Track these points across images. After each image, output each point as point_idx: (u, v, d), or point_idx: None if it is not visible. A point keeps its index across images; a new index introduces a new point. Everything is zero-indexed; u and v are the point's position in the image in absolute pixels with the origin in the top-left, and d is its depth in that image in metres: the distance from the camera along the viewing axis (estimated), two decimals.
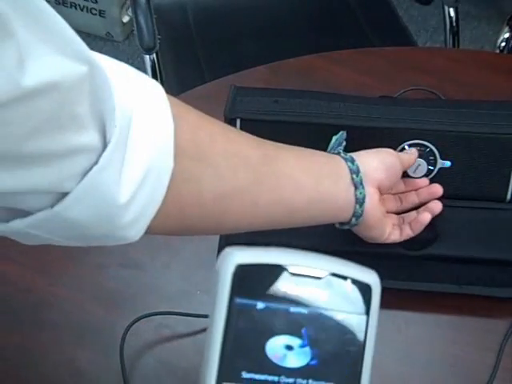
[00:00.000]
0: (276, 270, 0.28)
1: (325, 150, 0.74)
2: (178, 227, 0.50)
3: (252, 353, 0.28)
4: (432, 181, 0.74)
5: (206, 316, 0.68)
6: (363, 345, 0.30)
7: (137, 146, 0.41)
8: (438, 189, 0.71)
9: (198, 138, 0.49)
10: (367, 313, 0.31)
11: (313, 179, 0.58)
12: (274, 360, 0.28)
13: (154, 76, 1.14)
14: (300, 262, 0.29)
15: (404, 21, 1.37)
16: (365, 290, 0.31)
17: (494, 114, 0.75)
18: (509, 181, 0.74)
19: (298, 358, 0.28)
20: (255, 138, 0.56)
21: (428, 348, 0.68)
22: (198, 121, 0.51)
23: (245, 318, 0.28)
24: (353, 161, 0.61)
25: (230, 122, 0.74)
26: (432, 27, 2.10)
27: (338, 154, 0.63)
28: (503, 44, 1.51)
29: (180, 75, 1.25)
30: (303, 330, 0.28)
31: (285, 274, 0.28)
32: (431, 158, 0.73)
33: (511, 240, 0.72)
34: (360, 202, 0.60)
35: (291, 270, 0.28)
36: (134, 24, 1.14)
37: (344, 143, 0.70)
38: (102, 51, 1.99)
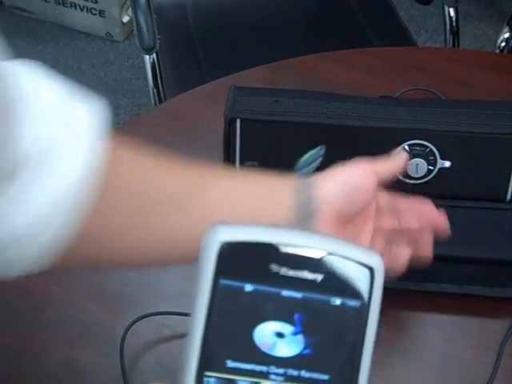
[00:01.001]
0: (267, 249, 0.25)
1: (326, 150, 0.74)
2: (79, 261, 0.48)
3: (238, 340, 0.25)
4: (432, 181, 0.74)
5: None
6: (363, 333, 0.27)
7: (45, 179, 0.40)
8: (442, 223, 0.61)
9: (118, 177, 0.47)
10: (368, 298, 0.28)
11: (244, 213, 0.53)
12: (263, 348, 0.25)
13: (154, 76, 1.14)
14: (294, 240, 0.26)
15: (404, 21, 1.37)
16: (366, 273, 0.27)
17: (494, 113, 0.75)
18: (509, 181, 0.74)
19: (289, 347, 0.26)
20: (185, 169, 0.56)
21: (428, 348, 0.68)
22: (126, 157, 0.50)
23: (230, 302, 0.25)
24: (304, 191, 0.53)
25: (230, 121, 0.74)
26: (432, 27, 2.10)
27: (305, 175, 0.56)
28: (503, 44, 1.51)
29: (180, 75, 1.25)
30: (296, 316, 0.26)
31: (276, 254, 0.25)
32: (431, 157, 0.73)
33: (511, 240, 0.72)
34: None
35: (284, 249, 0.25)
36: (134, 24, 1.14)
37: (320, 159, 0.67)
38: (102, 51, 2.01)
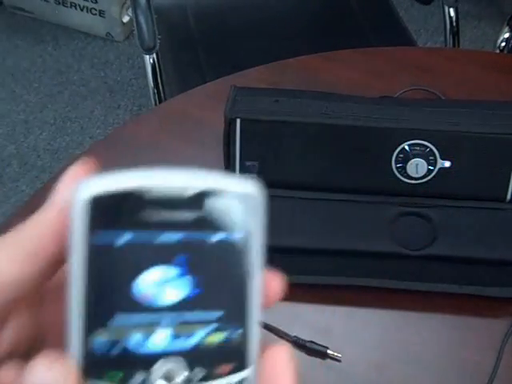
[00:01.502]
0: (137, 196, 0.24)
1: (325, 149, 0.74)
2: None
3: (122, 295, 0.24)
4: (432, 181, 0.74)
5: None
6: (248, 264, 0.26)
7: None
8: None
9: None
10: (249, 228, 0.26)
11: None
12: (150, 297, 0.24)
13: (155, 76, 1.14)
14: (165, 181, 0.24)
15: (404, 21, 1.37)
16: (244, 203, 0.26)
17: (494, 114, 0.75)
18: (509, 181, 0.74)
19: (178, 290, 0.25)
20: None
21: (428, 348, 0.68)
22: None
23: (108, 257, 0.24)
24: None
25: (230, 121, 0.74)
26: (432, 27, 2.11)
27: None
28: (503, 44, 1.51)
29: (180, 75, 1.25)
30: (178, 259, 0.25)
31: (148, 199, 0.24)
32: (431, 157, 0.73)
33: (511, 240, 0.72)
34: None
35: (154, 193, 0.24)
36: (134, 24, 1.14)
37: None
38: (102, 51, 2.01)
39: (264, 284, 0.27)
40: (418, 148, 0.73)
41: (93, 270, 0.24)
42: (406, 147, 0.73)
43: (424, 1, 2.14)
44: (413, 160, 0.73)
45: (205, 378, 0.25)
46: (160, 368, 0.25)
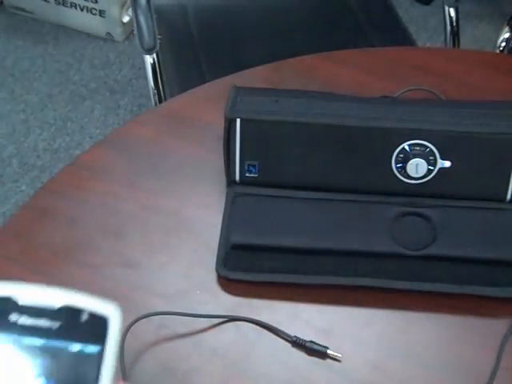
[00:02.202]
0: (10, 301, 0.27)
1: (325, 149, 0.74)
2: None
3: None
4: (432, 181, 0.74)
5: (206, 316, 0.67)
6: (97, 378, 0.28)
7: None
8: None
9: None
10: (104, 344, 0.28)
11: None
12: None
13: (155, 76, 1.14)
14: (32, 292, 0.28)
15: (404, 21, 1.37)
16: (101, 322, 0.29)
17: (494, 114, 0.75)
18: (509, 181, 0.74)
19: None
20: None
21: (428, 348, 0.68)
22: None
23: None
24: None
25: (230, 121, 0.74)
26: (432, 27, 2.11)
27: None
28: (503, 44, 1.51)
29: (180, 75, 1.25)
30: (37, 362, 0.27)
31: (16, 305, 0.27)
32: (431, 157, 0.73)
33: (511, 240, 0.72)
34: None
35: (23, 300, 0.28)
36: (134, 24, 1.14)
37: None
38: (102, 51, 2.01)
39: None
40: (417, 148, 0.73)
41: None
42: (406, 147, 0.73)
43: (424, 1, 2.14)
44: (413, 160, 0.73)
45: None
46: None
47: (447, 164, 0.73)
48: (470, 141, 0.73)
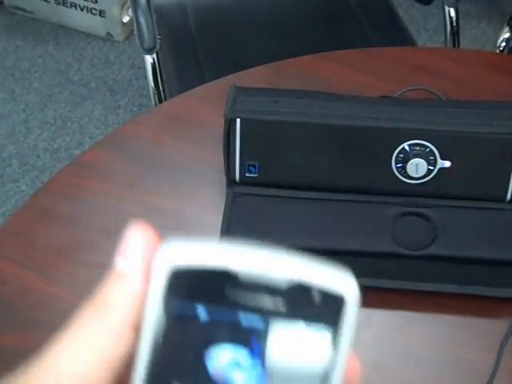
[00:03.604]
0: (222, 273, 0.23)
1: (325, 149, 0.74)
2: None
3: (191, 370, 0.23)
4: (432, 181, 0.74)
5: None
6: (330, 367, 0.24)
7: None
8: None
9: None
10: (338, 329, 0.24)
11: None
12: (218, 380, 0.23)
13: (155, 76, 1.14)
14: (254, 265, 0.23)
15: (404, 21, 1.37)
16: (336, 301, 0.24)
17: (494, 113, 0.75)
18: (509, 181, 0.74)
19: (247, 378, 0.23)
20: None
21: (428, 348, 0.68)
22: None
23: (182, 329, 0.23)
24: None
25: (230, 122, 0.74)
26: (432, 27, 2.10)
27: None
28: (503, 44, 1.51)
29: (180, 75, 1.25)
30: (255, 347, 0.23)
31: (233, 277, 0.23)
32: (431, 157, 0.73)
33: (511, 240, 0.72)
34: None
35: (240, 275, 0.23)
36: (134, 24, 1.14)
37: None
38: (102, 51, 2.01)
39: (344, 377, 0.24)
40: (417, 148, 0.73)
41: (164, 340, 0.23)
42: (406, 147, 0.73)
43: (424, 1, 2.14)
44: (413, 160, 0.73)
45: None
46: None
47: (447, 164, 0.73)
48: (470, 141, 0.73)
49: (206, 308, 0.23)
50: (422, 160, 0.73)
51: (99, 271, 0.76)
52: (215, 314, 0.23)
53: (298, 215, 0.73)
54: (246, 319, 0.23)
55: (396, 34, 1.33)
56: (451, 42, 1.24)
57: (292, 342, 0.23)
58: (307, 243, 0.71)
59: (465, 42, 1.66)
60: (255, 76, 0.93)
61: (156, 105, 1.15)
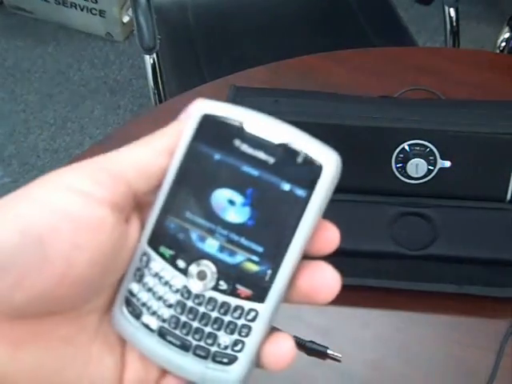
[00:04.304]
0: (238, 127, 0.29)
1: None
2: None
3: (199, 198, 0.30)
4: (432, 181, 0.74)
5: None
6: (299, 220, 0.30)
7: None
8: None
9: None
10: (312, 191, 0.30)
11: None
12: (216, 210, 0.30)
13: (155, 76, 1.14)
14: (261, 123, 0.30)
15: (404, 21, 1.37)
16: (316, 168, 0.30)
17: (494, 114, 0.75)
18: (509, 181, 0.74)
19: (237, 215, 0.29)
20: None
21: (428, 348, 0.68)
22: None
23: (199, 164, 0.30)
24: None
25: None
26: (432, 27, 2.11)
27: None
28: (503, 44, 1.51)
29: (180, 75, 1.25)
30: (248, 190, 0.29)
31: (244, 132, 0.29)
32: (431, 157, 0.73)
33: (511, 240, 0.72)
34: None
35: (250, 129, 0.29)
36: (134, 24, 1.14)
37: None
38: (102, 51, 2.01)
39: (313, 237, 0.31)
40: (417, 148, 0.73)
41: (186, 170, 0.30)
42: (406, 147, 0.73)
43: (424, 1, 2.14)
44: (413, 160, 0.73)
45: (224, 291, 0.30)
46: (198, 265, 0.30)
47: (447, 164, 0.73)
48: (470, 141, 0.73)
49: (219, 152, 0.30)
50: (422, 160, 0.73)
51: None
52: (225, 157, 0.29)
53: None
54: (245, 169, 0.29)
55: (396, 34, 1.33)
56: (451, 41, 1.24)
57: (275, 192, 0.29)
58: None
59: (465, 42, 1.66)
60: (255, 76, 0.93)
61: (156, 105, 1.15)
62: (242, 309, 0.30)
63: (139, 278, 0.31)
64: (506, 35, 1.50)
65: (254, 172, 0.29)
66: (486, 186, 0.74)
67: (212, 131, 0.30)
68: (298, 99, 0.76)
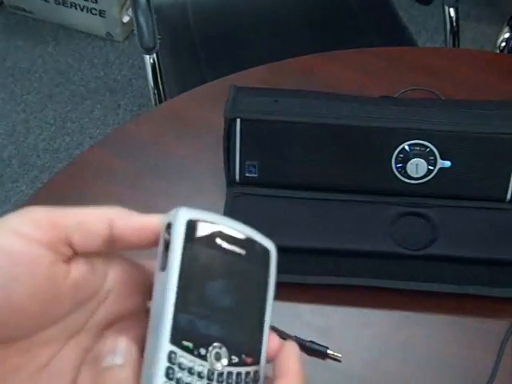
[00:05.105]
0: (214, 227, 0.36)
1: (325, 149, 0.74)
2: None
3: (196, 290, 0.35)
4: (432, 181, 0.74)
5: None
6: (265, 298, 0.37)
7: None
8: None
9: None
10: (269, 268, 0.38)
11: None
12: (210, 298, 0.35)
13: (155, 76, 1.14)
14: (228, 224, 0.37)
15: (404, 21, 1.37)
16: (266, 253, 0.38)
17: (495, 113, 0.75)
18: (509, 181, 0.74)
19: (226, 299, 0.36)
20: None
21: (428, 348, 0.68)
22: None
23: (192, 261, 0.35)
24: None
25: (230, 122, 0.74)
26: (432, 27, 2.11)
27: None
28: (503, 44, 1.51)
29: (180, 75, 1.25)
30: (232, 278, 0.36)
31: (219, 231, 0.36)
32: (431, 158, 0.73)
33: (511, 240, 0.72)
34: None
35: (223, 229, 0.36)
36: (134, 24, 1.14)
37: None
38: (102, 51, 2.00)
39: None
40: (417, 148, 0.73)
41: (184, 271, 0.34)
42: (406, 147, 0.73)
43: (424, 1, 2.14)
44: (413, 160, 0.73)
45: (236, 363, 0.36)
46: (213, 348, 0.35)
47: (447, 164, 0.73)
48: (470, 141, 0.73)
49: (204, 249, 0.35)
50: (422, 160, 0.73)
51: None
52: (208, 254, 0.35)
53: (298, 215, 0.73)
54: (225, 258, 0.36)
55: (396, 34, 1.33)
56: (451, 41, 1.24)
57: (248, 275, 0.37)
58: (307, 243, 0.71)
59: (465, 42, 1.66)
60: (255, 76, 0.93)
61: (156, 105, 1.15)
62: (249, 372, 0.36)
63: (171, 375, 0.34)
64: (506, 35, 1.50)
65: (233, 262, 0.36)
66: (485, 186, 0.74)
67: (198, 234, 0.35)
68: (297, 99, 0.76)
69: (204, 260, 0.35)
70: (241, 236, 0.37)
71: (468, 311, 0.70)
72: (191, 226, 0.35)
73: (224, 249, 0.36)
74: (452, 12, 1.23)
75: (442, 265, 0.71)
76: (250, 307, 0.37)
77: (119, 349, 0.33)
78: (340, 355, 0.66)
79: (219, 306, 0.35)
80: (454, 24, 1.23)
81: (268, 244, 0.39)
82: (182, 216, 0.36)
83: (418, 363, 0.67)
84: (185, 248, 0.35)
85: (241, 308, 0.36)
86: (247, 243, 0.37)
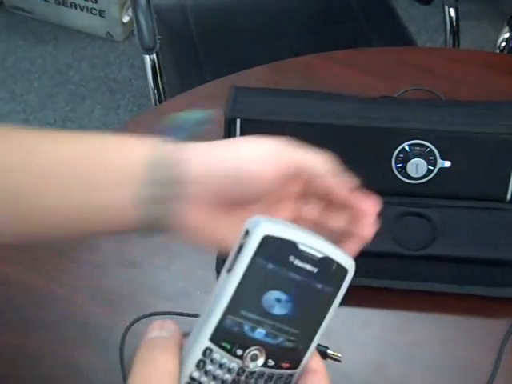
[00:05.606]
0: (289, 245, 0.37)
1: (325, 149, 0.74)
2: None
3: (253, 297, 0.36)
4: (432, 181, 0.74)
5: None
6: (327, 311, 0.39)
7: None
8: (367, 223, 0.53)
9: None
10: (338, 288, 0.39)
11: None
12: (266, 306, 0.37)
13: (155, 76, 1.14)
14: (308, 242, 0.37)
15: (404, 21, 1.37)
16: (343, 272, 0.40)
17: (494, 113, 0.75)
18: (509, 181, 0.74)
19: (282, 308, 0.37)
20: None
21: (428, 348, 0.68)
22: None
23: (257, 273, 0.36)
24: (166, 165, 0.42)
25: (230, 122, 0.74)
26: (432, 27, 2.11)
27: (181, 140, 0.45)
28: (503, 44, 1.51)
29: (180, 75, 1.25)
30: (293, 291, 0.37)
31: (295, 249, 0.37)
32: (431, 158, 0.73)
33: (511, 240, 0.72)
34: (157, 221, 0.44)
35: (300, 246, 0.37)
36: (134, 24, 1.14)
37: (206, 126, 0.67)
38: (102, 51, 2.00)
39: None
40: (417, 148, 0.73)
41: (246, 279, 0.36)
42: (406, 147, 0.73)
43: (424, 1, 2.14)
44: (413, 160, 0.73)
45: (272, 366, 0.38)
46: (251, 350, 0.37)
47: (447, 164, 0.73)
48: (470, 141, 0.73)
49: (275, 266, 0.37)
50: (422, 160, 0.73)
51: (100, 271, 0.77)
52: (277, 267, 0.37)
53: None
54: (293, 275, 0.37)
55: (396, 34, 1.33)
56: (451, 41, 1.25)
57: (312, 291, 0.38)
58: None
59: (465, 42, 1.65)
60: (255, 76, 0.93)
61: (156, 105, 1.15)
62: (282, 375, 0.38)
63: (202, 367, 0.36)
64: (506, 35, 1.50)
65: (300, 278, 0.37)
66: (485, 186, 0.74)
67: (272, 246, 0.37)
68: (298, 99, 0.76)
69: (270, 272, 0.36)
70: (317, 254, 0.38)
71: (468, 311, 0.70)
72: (267, 241, 0.36)
73: (295, 266, 0.37)
74: (452, 12, 1.23)
75: (442, 265, 0.71)
76: (306, 321, 0.38)
77: (166, 325, 0.38)
78: (340, 355, 0.66)
79: (273, 314, 0.37)
80: (454, 24, 1.23)
81: (347, 263, 0.40)
82: (260, 230, 0.36)
83: (417, 363, 0.67)
84: (254, 258, 0.36)
85: (295, 320, 0.37)
86: (322, 262, 0.38)
